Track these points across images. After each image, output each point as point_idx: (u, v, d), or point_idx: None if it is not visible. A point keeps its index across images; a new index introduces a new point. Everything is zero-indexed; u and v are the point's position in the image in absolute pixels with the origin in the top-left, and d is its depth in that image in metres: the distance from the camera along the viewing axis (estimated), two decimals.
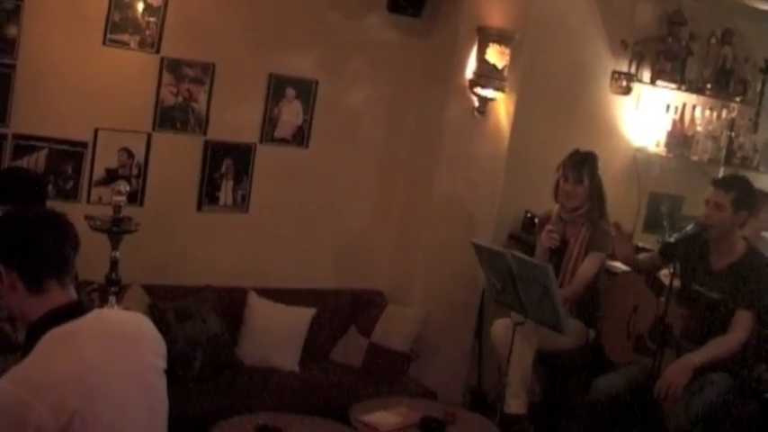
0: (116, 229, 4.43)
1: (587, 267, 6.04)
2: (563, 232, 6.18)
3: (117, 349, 2.80)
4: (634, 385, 5.35)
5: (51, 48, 5.59)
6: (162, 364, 2.98)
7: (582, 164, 6.07)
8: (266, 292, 6.37)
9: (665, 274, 5.78)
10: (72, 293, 2.85)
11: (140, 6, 5.77)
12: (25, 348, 2.70)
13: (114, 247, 4.45)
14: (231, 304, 6.21)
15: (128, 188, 4.60)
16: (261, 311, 6.25)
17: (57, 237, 2.84)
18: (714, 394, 5.10)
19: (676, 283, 5.36)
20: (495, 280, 5.57)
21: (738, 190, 5.33)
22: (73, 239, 2.90)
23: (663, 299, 5.20)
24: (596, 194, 6.10)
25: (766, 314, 5.13)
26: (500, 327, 5.96)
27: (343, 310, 6.73)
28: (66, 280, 2.83)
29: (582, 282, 6.02)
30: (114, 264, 4.44)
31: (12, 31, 5.44)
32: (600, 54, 7.48)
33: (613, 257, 6.21)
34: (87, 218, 4.43)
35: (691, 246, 5.42)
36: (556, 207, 6.26)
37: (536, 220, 6.86)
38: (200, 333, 5.74)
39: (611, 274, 6.46)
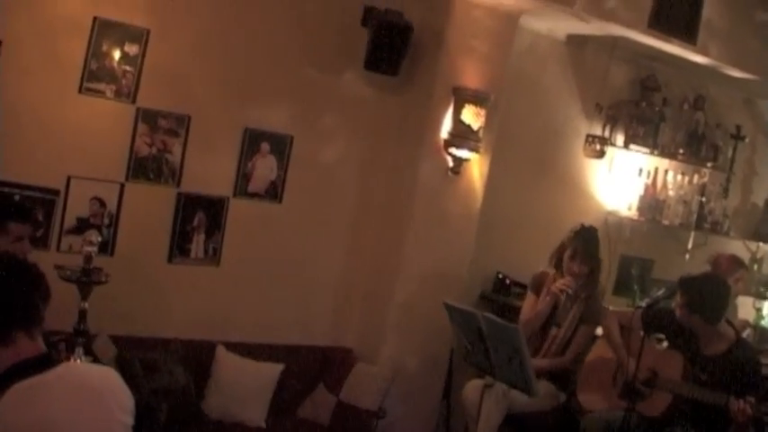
0: (86, 280, 4.38)
1: (581, 342, 6.19)
2: (557, 298, 6.20)
3: (84, 404, 2.76)
4: None
5: (27, 93, 5.56)
6: (129, 419, 2.93)
7: (591, 243, 6.19)
8: (235, 347, 6.31)
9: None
10: (41, 345, 2.82)
11: (117, 55, 5.77)
12: None
13: (84, 298, 4.40)
14: (199, 357, 6.14)
15: (99, 238, 4.55)
16: (229, 365, 6.19)
17: (27, 287, 2.81)
18: None
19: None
20: (466, 340, 5.54)
21: (689, 295, 5.41)
22: (43, 290, 2.87)
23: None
24: (596, 269, 6.20)
25: (759, 404, 5.11)
26: (472, 388, 5.93)
27: (311, 367, 6.66)
28: (34, 331, 2.80)
29: (574, 355, 6.16)
30: (83, 314, 4.39)
31: None
32: (574, 117, 7.55)
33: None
34: (57, 267, 4.38)
35: (677, 325, 5.54)
36: (552, 272, 6.27)
37: (501, 276, 6.87)
38: (167, 385, 5.67)
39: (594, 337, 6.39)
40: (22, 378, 2.65)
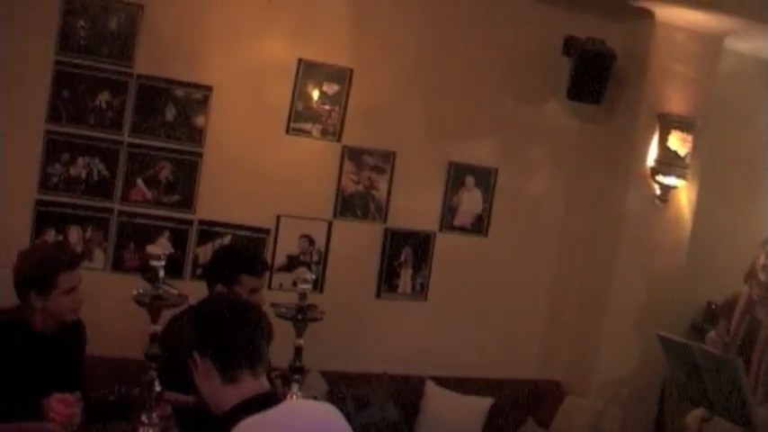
0: (302, 317, 4.45)
1: None
2: (753, 312, 5.92)
3: None
4: None
5: (236, 136, 5.75)
6: None
7: None
8: (444, 381, 6.32)
9: None
10: (264, 383, 2.88)
11: (321, 95, 5.89)
12: None
13: (299, 335, 4.44)
14: (408, 392, 6.19)
15: (313, 276, 4.62)
16: (438, 400, 6.20)
17: (251, 328, 2.88)
18: None
19: None
20: (680, 372, 5.40)
21: None
22: (266, 331, 2.93)
23: None
24: None
25: None
26: (693, 418, 5.74)
27: (520, 400, 6.60)
28: (259, 370, 2.87)
29: None
30: (299, 351, 4.46)
31: (200, 120, 5.64)
32: None
33: None
34: (273, 305, 4.46)
35: None
36: (746, 290, 5.99)
37: (713, 306, 6.67)
38: (378, 421, 5.72)
39: None
40: (247, 415, 2.70)
